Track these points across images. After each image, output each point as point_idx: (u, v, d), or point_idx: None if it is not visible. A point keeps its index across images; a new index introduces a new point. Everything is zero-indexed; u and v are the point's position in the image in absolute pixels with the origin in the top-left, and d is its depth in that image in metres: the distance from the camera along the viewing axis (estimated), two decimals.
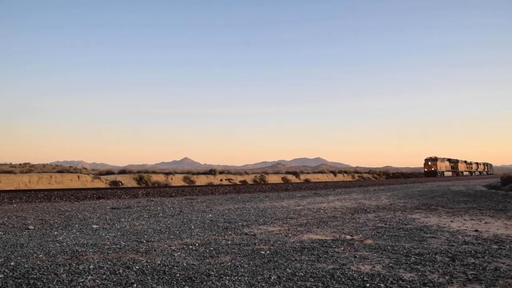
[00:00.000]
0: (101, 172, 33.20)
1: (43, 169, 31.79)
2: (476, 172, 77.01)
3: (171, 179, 32.82)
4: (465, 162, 70.87)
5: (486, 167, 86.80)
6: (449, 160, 64.33)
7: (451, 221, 6.82)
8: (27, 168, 30.56)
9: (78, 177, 26.90)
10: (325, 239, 5.07)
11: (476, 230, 5.74)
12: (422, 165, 64.79)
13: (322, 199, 13.06)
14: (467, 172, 70.67)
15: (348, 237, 5.28)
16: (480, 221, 6.78)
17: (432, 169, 57.11)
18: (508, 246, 4.51)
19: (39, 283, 3.09)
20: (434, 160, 58.35)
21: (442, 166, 59.21)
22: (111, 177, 29.40)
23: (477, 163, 79.79)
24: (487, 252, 4.20)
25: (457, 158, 67.16)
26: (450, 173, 61.91)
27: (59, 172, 29.03)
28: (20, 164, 34.08)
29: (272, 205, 10.56)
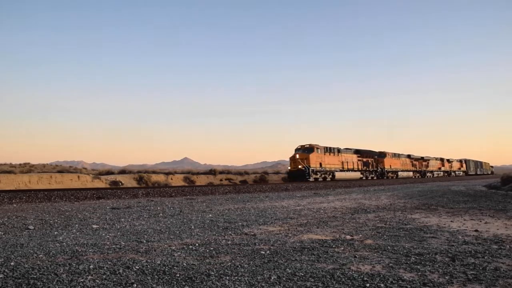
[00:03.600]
0: (101, 172, 33.18)
1: (43, 169, 31.78)
2: (438, 173, 55.26)
3: (171, 179, 32.83)
4: (395, 155, 44.47)
5: (462, 165, 65.75)
6: (336, 151, 34.97)
7: (451, 221, 6.81)
8: (27, 168, 30.55)
9: (78, 177, 26.90)
10: (325, 239, 5.06)
11: (476, 230, 5.74)
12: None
13: (322, 199, 13.06)
14: (406, 173, 46.02)
15: (348, 237, 5.28)
16: (480, 221, 6.77)
17: (300, 166, 30.54)
18: (508, 246, 4.51)
19: (39, 283, 3.09)
20: (306, 150, 31.53)
21: (313, 162, 31.10)
22: (111, 177, 29.39)
23: (441, 160, 57.24)
24: (487, 252, 4.20)
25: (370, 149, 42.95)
26: (357, 174, 36.73)
27: (59, 172, 29.03)
28: (20, 164, 34.06)
29: (272, 205, 10.55)
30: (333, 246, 4.61)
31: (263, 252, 4.25)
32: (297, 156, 31.44)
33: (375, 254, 4.13)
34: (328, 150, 33.72)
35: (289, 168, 32.42)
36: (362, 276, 3.25)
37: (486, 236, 5.23)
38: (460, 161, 66.12)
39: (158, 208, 9.69)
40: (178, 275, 3.33)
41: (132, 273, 3.40)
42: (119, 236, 5.44)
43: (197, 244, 4.74)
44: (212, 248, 4.49)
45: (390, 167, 42.90)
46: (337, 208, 9.46)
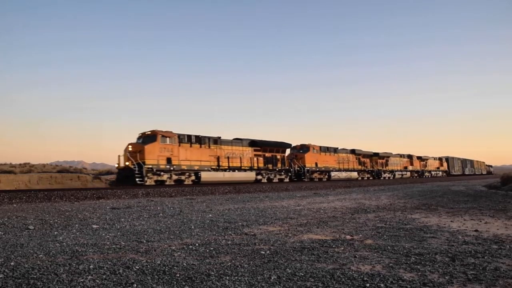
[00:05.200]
0: (101, 172, 33.17)
1: (43, 169, 31.75)
2: (403, 173, 46.37)
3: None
4: (332, 150, 34.79)
5: (442, 163, 56.96)
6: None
7: (451, 221, 6.81)
8: (27, 168, 30.53)
9: (78, 177, 26.88)
10: (325, 239, 5.06)
11: (476, 230, 5.74)
12: None
13: (322, 199, 13.06)
14: (347, 173, 35.67)
15: (348, 237, 5.28)
16: (480, 221, 6.77)
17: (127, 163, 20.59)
18: (508, 246, 4.51)
19: (39, 283, 3.09)
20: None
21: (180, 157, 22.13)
22: (111, 177, 29.38)
23: (408, 157, 48.37)
24: (487, 252, 4.20)
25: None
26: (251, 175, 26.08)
27: (59, 172, 29.02)
28: (20, 164, 34.02)
29: (272, 205, 10.55)
30: (333, 246, 4.61)
31: (263, 252, 4.25)
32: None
33: (375, 254, 4.13)
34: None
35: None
36: (362, 276, 3.24)
37: (486, 236, 5.23)
38: (440, 159, 57.13)
39: (158, 208, 9.69)
40: (178, 275, 3.33)
41: (132, 273, 3.40)
42: (119, 236, 5.44)
43: (197, 244, 4.74)
44: (212, 248, 4.49)
45: (316, 165, 31.84)
46: (337, 208, 9.46)
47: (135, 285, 3.07)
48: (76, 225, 6.62)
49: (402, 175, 46.11)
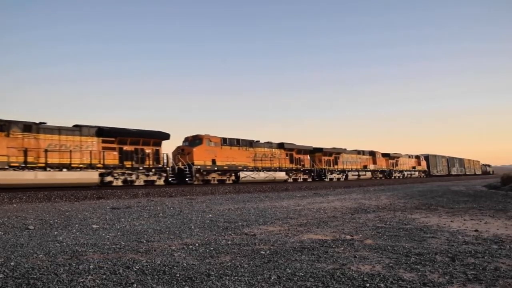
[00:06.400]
0: None
1: None
2: (360, 174, 38.03)
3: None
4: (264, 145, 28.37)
5: (420, 162, 50.27)
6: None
7: (451, 221, 6.81)
8: None
9: None
10: (325, 239, 5.06)
11: (476, 230, 5.74)
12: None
13: (322, 199, 13.06)
14: (266, 174, 26.95)
15: (348, 237, 5.28)
16: (480, 221, 6.77)
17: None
18: (508, 246, 4.51)
19: (39, 283, 3.09)
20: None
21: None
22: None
23: (370, 154, 40.59)
24: (487, 252, 4.20)
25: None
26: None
27: None
28: None
29: (272, 205, 10.56)
30: (333, 246, 4.61)
31: (263, 252, 4.25)
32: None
33: (375, 254, 4.13)
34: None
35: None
36: (362, 276, 3.24)
37: (486, 236, 5.23)
38: (417, 157, 50.23)
39: (158, 208, 9.69)
40: (178, 275, 3.33)
41: (132, 273, 3.40)
42: (119, 236, 5.44)
43: (197, 244, 4.74)
44: (212, 248, 4.49)
45: (214, 162, 23.96)
46: (337, 208, 9.46)
47: (135, 285, 3.07)
48: (76, 225, 6.62)
49: (359, 175, 38.02)
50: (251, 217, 7.59)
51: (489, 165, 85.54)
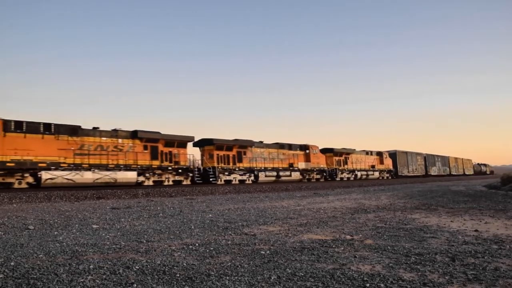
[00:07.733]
0: None
1: None
2: (282, 175, 28.29)
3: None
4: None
5: (383, 160, 41.61)
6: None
7: (451, 221, 6.81)
8: None
9: None
10: (325, 239, 5.06)
11: (476, 230, 5.74)
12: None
13: (322, 199, 13.06)
14: (123, 174, 19.59)
15: (348, 237, 5.28)
16: (480, 221, 6.77)
17: None
18: (508, 246, 4.51)
19: (39, 283, 3.09)
20: None
21: None
22: None
23: (301, 148, 30.64)
24: (487, 252, 4.20)
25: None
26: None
27: None
28: None
29: (272, 205, 10.56)
30: (333, 246, 4.61)
31: (263, 252, 4.25)
32: None
33: (375, 254, 4.13)
34: None
35: None
36: (362, 276, 3.24)
37: (486, 236, 5.23)
38: (379, 154, 41.47)
39: (158, 208, 9.70)
40: (178, 275, 3.33)
41: (132, 273, 3.40)
42: (119, 236, 5.44)
43: (197, 244, 4.74)
44: (212, 248, 4.49)
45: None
46: (337, 208, 9.46)
47: (135, 285, 3.07)
48: (76, 225, 6.62)
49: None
50: (251, 217, 7.59)
51: (485, 164, 78.75)
